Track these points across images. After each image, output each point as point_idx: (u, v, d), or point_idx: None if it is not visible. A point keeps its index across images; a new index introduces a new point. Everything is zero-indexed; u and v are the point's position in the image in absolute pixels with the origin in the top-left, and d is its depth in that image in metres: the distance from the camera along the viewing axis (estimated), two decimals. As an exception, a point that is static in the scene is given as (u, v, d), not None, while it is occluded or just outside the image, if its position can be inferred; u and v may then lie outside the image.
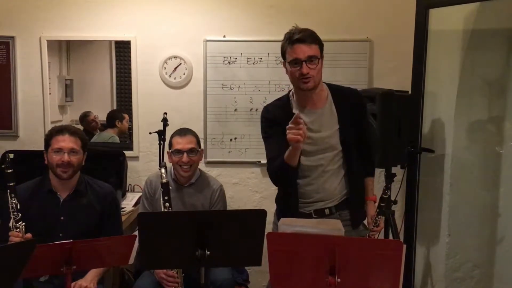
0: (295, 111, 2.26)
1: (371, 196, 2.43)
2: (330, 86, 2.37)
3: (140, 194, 3.49)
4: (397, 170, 3.05)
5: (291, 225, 1.90)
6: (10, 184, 2.21)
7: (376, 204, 2.36)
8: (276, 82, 3.49)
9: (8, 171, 2.21)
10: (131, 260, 2.17)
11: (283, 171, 2.22)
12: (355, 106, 2.35)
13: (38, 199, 2.50)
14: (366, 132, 2.44)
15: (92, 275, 2.46)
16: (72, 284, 2.26)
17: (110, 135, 4.16)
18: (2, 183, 2.24)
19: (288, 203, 2.37)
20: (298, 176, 2.30)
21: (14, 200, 2.21)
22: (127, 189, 3.54)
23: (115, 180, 3.30)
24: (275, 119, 2.30)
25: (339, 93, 2.35)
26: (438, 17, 2.99)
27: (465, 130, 3.06)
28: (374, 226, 2.29)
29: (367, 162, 2.46)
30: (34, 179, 2.57)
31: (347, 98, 2.35)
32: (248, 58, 3.52)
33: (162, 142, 3.25)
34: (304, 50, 2.15)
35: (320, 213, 2.32)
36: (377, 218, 2.24)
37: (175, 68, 3.55)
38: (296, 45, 2.16)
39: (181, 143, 2.78)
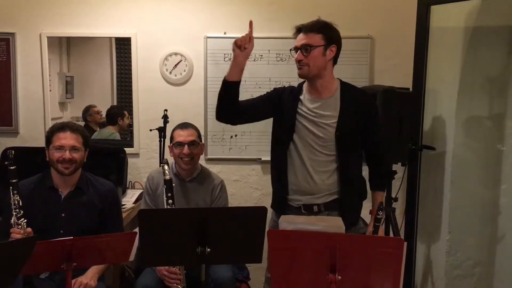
0: (302, 96, 2.38)
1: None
2: (344, 84, 2.40)
3: (140, 191, 3.49)
4: (397, 167, 3.05)
5: (291, 222, 1.90)
6: (13, 180, 2.21)
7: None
8: (277, 79, 3.48)
9: (11, 167, 2.20)
10: (132, 257, 2.16)
11: (222, 89, 2.35)
12: (362, 108, 2.35)
13: (39, 195, 2.49)
14: (376, 142, 2.43)
15: (93, 272, 2.46)
16: (73, 281, 2.26)
17: (110, 132, 4.16)
18: (4, 180, 2.24)
19: (278, 193, 2.44)
20: (287, 161, 2.36)
21: (17, 197, 2.20)
22: (127, 186, 3.54)
23: (115, 177, 3.29)
24: (278, 97, 2.43)
25: (349, 91, 2.38)
26: (439, 14, 2.98)
27: (466, 128, 3.05)
28: None
29: (377, 175, 2.47)
30: (36, 175, 2.57)
31: (356, 98, 2.37)
32: (248, 55, 3.51)
33: (162, 139, 3.25)
34: (300, 39, 2.30)
35: (308, 209, 2.34)
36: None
37: (176, 65, 3.55)
38: (297, 34, 2.32)
39: (182, 135, 2.79)
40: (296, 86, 2.46)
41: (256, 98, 2.49)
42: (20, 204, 2.21)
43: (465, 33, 2.97)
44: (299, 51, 2.29)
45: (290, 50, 2.36)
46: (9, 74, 3.59)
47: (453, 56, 3.06)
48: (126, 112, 4.21)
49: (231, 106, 2.36)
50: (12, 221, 2.21)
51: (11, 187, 2.21)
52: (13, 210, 2.20)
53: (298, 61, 2.29)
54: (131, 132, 3.78)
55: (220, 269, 2.67)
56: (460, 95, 3.00)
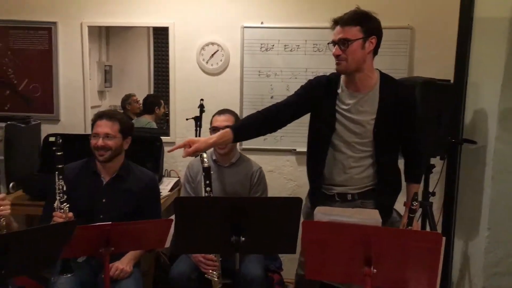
0: (339, 90, 2.32)
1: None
2: (383, 76, 2.32)
3: (176, 179, 3.54)
4: (436, 161, 2.98)
5: (327, 213, 1.89)
6: (59, 166, 2.27)
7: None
8: (313, 70, 3.44)
9: (58, 153, 2.26)
10: (167, 244, 2.20)
11: None
12: (401, 102, 2.29)
13: (83, 179, 2.56)
14: (413, 135, 2.37)
15: (129, 258, 2.51)
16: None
17: (147, 121, 4.22)
18: (49, 165, 2.30)
19: (313, 183, 2.43)
20: (325, 155, 2.33)
21: (61, 181, 2.26)
22: (163, 174, 3.59)
23: (151, 165, 3.35)
24: (312, 91, 2.37)
25: (389, 86, 2.30)
26: (484, 3, 2.87)
27: (509, 121, 2.95)
28: None
29: (413, 167, 2.42)
30: (81, 160, 2.64)
31: (396, 93, 2.29)
32: (285, 45, 3.49)
33: (198, 128, 3.28)
34: (337, 32, 2.22)
35: (342, 197, 2.33)
36: (407, 228, 2.18)
37: (212, 55, 3.56)
38: (334, 27, 2.24)
39: (219, 120, 2.83)
40: (332, 76, 2.38)
41: (289, 100, 2.39)
42: (64, 189, 2.27)
43: (511, 24, 2.86)
44: (336, 46, 2.21)
45: (328, 44, 2.29)
46: (50, 62, 3.68)
47: (497, 48, 2.95)
48: (162, 101, 4.27)
49: (263, 133, 2.46)
50: (55, 205, 2.27)
51: (56, 172, 2.27)
52: (57, 195, 2.26)
53: (336, 56, 2.23)
54: (167, 121, 3.82)
55: (251, 265, 2.67)
56: (504, 87, 2.89)
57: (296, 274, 2.59)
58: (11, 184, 3.18)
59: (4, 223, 2.09)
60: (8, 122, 3.30)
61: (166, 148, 3.58)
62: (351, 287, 2.25)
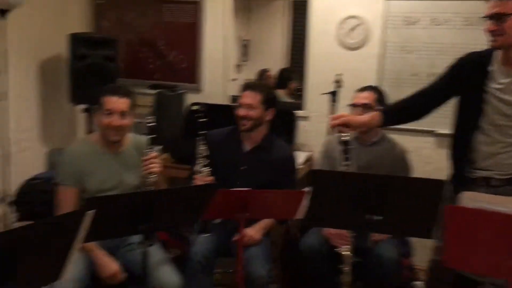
0: (491, 67, 2.13)
1: None
2: None
3: (307, 153, 3.56)
4: None
5: (474, 199, 1.75)
6: (202, 132, 2.40)
7: None
8: (462, 46, 3.17)
9: (202, 120, 2.40)
10: (299, 215, 2.22)
11: None
12: None
13: (227, 146, 2.68)
14: None
15: (259, 226, 2.59)
16: (239, 230, 2.41)
17: (282, 96, 4.29)
18: (192, 132, 2.45)
19: (456, 167, 2.31)
20: (471, 138, 2.19)
21: (203, 147, 2.40)
22: (296, 148, 3.63)
23: (285, 138, 3.39)
24: (461, 71, 2.23)
25: None
26: None
27: None
28: None
29: None
30: (228, 127, 2.75)
31: None
32: (432, 19, 3.27)
33: (334, 103, 3.24)
34: (492, 6, 2.04)
35: (486, 182, 2.18)
36: None
37: (352, 29, 3.47)
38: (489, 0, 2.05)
39: (357, 97, 2.75)
40: (485, 52, 2.18)
41: (438, 84, 2.31)
42: (206, 154, 2.40)
43: None
44: (491, 20, 2.03)
45: (481, 17, 2.10)
46: (196, 35, 3.88)
47: None
48: (294, 76, 4.29)
49: (411, 121, 2.47)
50: (196, 168, 2.42)
51: (199, 138, 2.40)
52: (199, 159, 2.40)
53: (490, 32, 2.04)
54: (299, 96, 3.83)
55: (386, 247, 2.58)
56: None
57: (430, 260, 2.47)
58: (158, 148, 3.46)
59: (154, 179, 2.27)
60: (158, 90, 3.57)
61: (299, 123, 3.61)
62: (486, 281, 2.10)
